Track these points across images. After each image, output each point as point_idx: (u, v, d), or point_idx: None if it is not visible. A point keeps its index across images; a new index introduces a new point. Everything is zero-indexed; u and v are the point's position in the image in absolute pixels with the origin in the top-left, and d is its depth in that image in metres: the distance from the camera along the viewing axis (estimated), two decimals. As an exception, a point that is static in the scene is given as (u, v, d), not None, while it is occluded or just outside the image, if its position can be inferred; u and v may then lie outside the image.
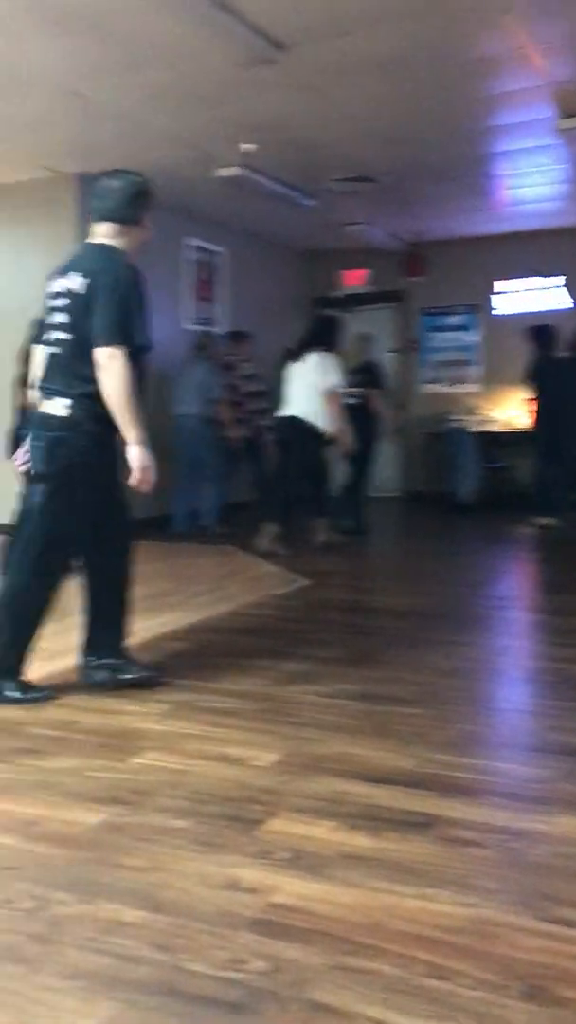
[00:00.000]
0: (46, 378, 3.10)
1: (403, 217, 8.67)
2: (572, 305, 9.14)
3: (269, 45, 4.69)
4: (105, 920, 1.74)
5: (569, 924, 1.70)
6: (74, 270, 3.06)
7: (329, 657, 3.63)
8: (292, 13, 4.39)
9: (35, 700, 3.06)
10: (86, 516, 3.10)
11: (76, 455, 3.03)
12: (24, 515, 3.09)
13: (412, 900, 1.79)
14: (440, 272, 9.79)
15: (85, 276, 3.01)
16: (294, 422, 6.13)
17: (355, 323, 10.33)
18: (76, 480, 3.04)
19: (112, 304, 2.96)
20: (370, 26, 4.55)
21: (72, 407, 3.01)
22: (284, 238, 9.50)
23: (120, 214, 3.11)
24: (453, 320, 9.97)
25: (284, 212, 8.13)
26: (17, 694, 3.06)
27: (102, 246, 3.11)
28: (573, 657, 3.57)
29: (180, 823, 2.15)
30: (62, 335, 3.05)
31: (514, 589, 5.53)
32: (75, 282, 3.03)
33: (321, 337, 6.34)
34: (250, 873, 1.91)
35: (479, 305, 9.80)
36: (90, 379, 2.97)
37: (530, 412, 8.29)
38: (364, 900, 1.80)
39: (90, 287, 2.99)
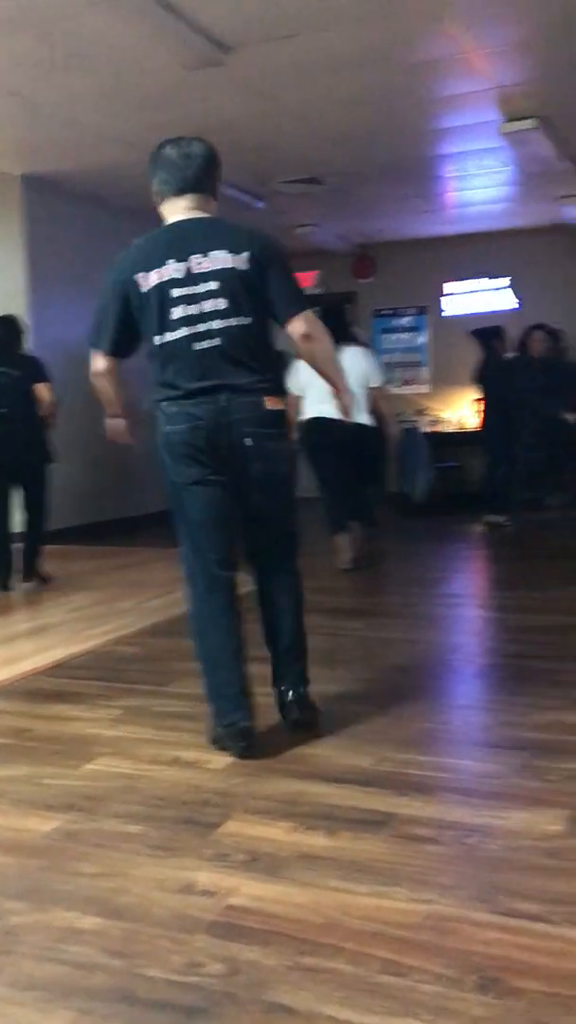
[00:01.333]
0: (217, 373, 2.62)
1: (352, 219, 8.72)
2: (518, 306, 9.27)
3: (215, 47, 4.68)
4: (60, 928, 1.72)
5: (523, 916, 1.72)
6: (217, 248, 2.64)
7: (284, 658, 3.62)
8: (238, 15, 4.39)
9: None
10: None
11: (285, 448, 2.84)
12: None
13: (368, 898, 1.80)
14: (390, 274, 9.86)
15: (238, 251, 2.63)
16: (332, 423, 5.42)
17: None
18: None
19: (289, 272, 2.74)
20: (316, 28, 4.56)
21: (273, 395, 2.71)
22: (220, 218, 9.47)
23: (205, 184, 2.76)
24: (403, 321, 10.06)
25: (233, 214, 8.04)
26: None
27: (219, 220, 2.77)
28: (525, 653, 3.61)
29: (135, 828, 2.14)
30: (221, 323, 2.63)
31: (466, 587, 5.59)
32: (226, 260, 2.63)
33: (347, 331, 5.85)
34: (206, 876, 1.90)
35: (429, 306, 9.89)
36: (269, 365, 2.72)
37: (479, 412, 8.40)
38: (321, 899, 1.80)
39: (255, 262, 2.64)
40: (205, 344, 2.61)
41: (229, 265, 2.62)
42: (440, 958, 1.59)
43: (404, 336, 10.07)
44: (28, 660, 3.65)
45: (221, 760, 2.55)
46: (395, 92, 5.49)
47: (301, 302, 2.73)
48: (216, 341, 2.61)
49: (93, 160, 6.61)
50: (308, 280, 9.88)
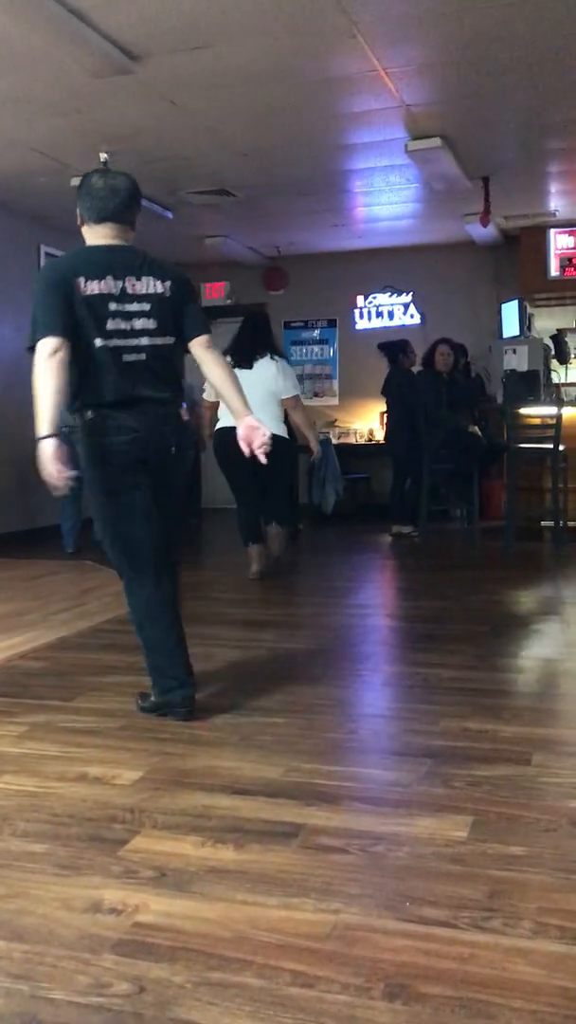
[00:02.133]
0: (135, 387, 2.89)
1: (262, 231, 8.77)
2: (420, 322, 9.46)
3: (123, 55, 4.66)
4: (-40, 953, 1.67)
5: (428, 922, 1.74)
6: (147, 274, 2.94)
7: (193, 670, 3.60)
8: (147, 24, 4.37)
9: None
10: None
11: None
12: None
13: (276, 910, 1.80)
14: (300, 286, 9.94)
15: (164, 279, 2.96)
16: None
17: (216, 336, 10.39)
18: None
19: (196, 298, 3.12)
20: (225, 40, 4.58)
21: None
22: (143, 249, 9.42)
23: (128, 214, 3.01)
24: (313, 334, 10.14)
25: (142, 223, 8.02)
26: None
27: (145, 251, 3.03)
28: (431, 661, 3.67)
29: (40, 847, 2.09)
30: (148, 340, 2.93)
31: (375, 597, 5.65)
32: (155, 286, 2.94)
33: (267, 340, 5.78)
34: (113, 894, 1.87)
35: (337, 319, 10.00)
36: (179, 382, 3.05)
37: (386, 424, 8.54)
38: (229, 913, 1.79)
39: (176, 290, 2.98)
40: (132, 358, 2.88)
41: (158, 291, 2.94)
42: (348, 967, 1.60)
43: (314, 348, 10.16)
44: None
45: (130, 775, 2.51)
46: (304, 106, 5.55)
47: (207, 327, 3.08)
48: (142, 356, 2.90)
49: (0, 165, 6.49)
50: (217, 291, 9.90)
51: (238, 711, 3.07)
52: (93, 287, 2.83)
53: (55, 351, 2.76)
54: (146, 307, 2.91)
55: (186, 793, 2.39)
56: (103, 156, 6.18)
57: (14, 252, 7.70)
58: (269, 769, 2.54)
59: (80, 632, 4.33)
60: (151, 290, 2.92)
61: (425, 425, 7.33)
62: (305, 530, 7.81)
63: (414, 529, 7.64)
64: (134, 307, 2.89)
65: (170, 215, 7.86)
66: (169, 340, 2.96)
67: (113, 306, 2.86)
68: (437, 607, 4.82)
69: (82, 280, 2.82)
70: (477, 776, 2.45)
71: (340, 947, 1.67)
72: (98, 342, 2.83)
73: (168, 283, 2.96)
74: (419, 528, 7.57)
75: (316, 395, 10.06)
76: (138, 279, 2.91)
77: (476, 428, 7.50)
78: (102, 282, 2.84)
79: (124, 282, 2.88)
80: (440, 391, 7.33)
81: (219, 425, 5.41)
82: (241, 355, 5.54)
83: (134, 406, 2.88)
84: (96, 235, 2.99)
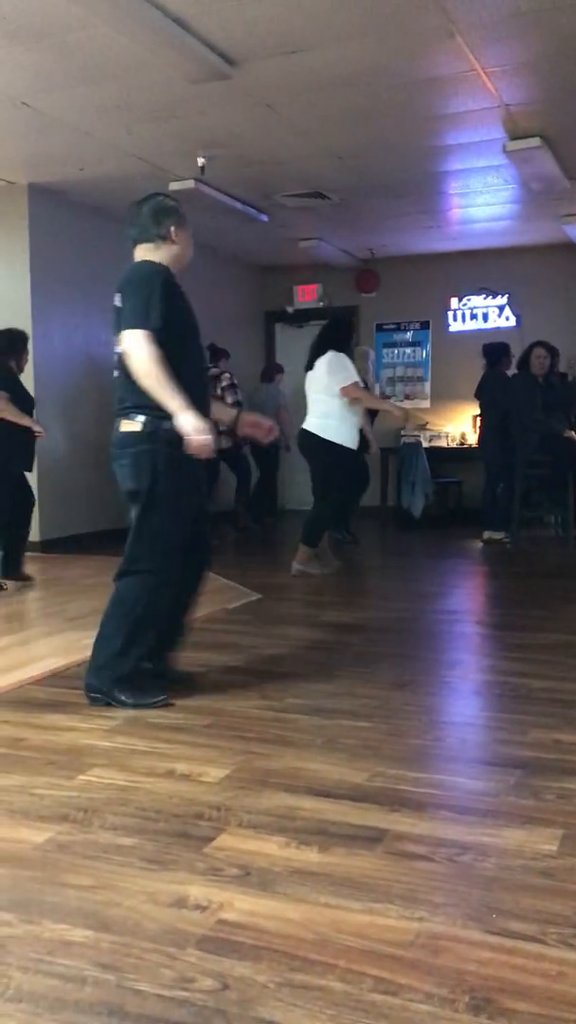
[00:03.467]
0: (119, 399, 3.17)
1: (356, 233, 8.75)
2: (515, 324, 9.30)
3: (222, 61, 4.71)
4: (50, 940, 1.71)
5: (516, 936, 1.71)
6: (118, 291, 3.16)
7: (279, 671, 3.62)
8: (245, 30, 4.41)
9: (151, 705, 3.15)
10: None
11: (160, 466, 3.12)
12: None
13: (360, 915, 1.79)
14: (393, 288, 9.89)
15: (120, 290, 3.13)
16: (304, 435, 5.81)
17: (307, 339, 10.43)
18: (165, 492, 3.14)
19: (134, 295, 3.07)
20: (322, 44, 4.59)
21: (145, 422, 3.09)
22: (237, 253, 9.53)
23: (147, 234, 3.21)
24: (406, 336, 10.08)
25: (237, 226, 8.16)
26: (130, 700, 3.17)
27: (134, 262, 3.23)
28: (521, 671, 3.60)
29: (128, 841, 2.13)
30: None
31: (464, 603, 5.58)
32: (117, 299, 3.14)
33: (328, 339, 5.86)
34: (198, 890, 1.89)
35: (431, 321, 9.92)
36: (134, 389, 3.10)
37: (478, 428, 8.42)
38: (312, 916, 1.79)
39: (122, 296, 3.11)
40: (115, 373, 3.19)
41: (117, 303, 3.13)
42: (432, 977, 1.58)
43: (406, 351, 10.09)
44: (23, 669, 3.64)
45: (216, 773, 2.54)
46: (400, 108, 5.52)
47: (130, 322, 3.04)
48: (115, 372, 3.17)
49: (99, 171, 6.64)
50: (309, 293, 9.93)
51: (323, 713, 3.07)
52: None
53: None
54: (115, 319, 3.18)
55: (271, 793, 2.40)
56: (200, 161, 6.29)
57: (110, 257, 7.85)
58: (354, 773, 2.53)
59: (170, 630, 4.38)
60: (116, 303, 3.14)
61: (519, 429, 7.20)
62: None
63: (506, 535, 7.51)
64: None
65: (265, 218, 7.91)
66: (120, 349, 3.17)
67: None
68: (529, 615, 4.73)
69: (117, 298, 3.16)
70: (568, 789, 2.39)
71: (424, 956, 1.65)
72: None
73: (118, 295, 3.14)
74: (511, 535, 7.44)
75: (407, 397, 9.99)
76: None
77: (572, 433, 7.33)
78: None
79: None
80: (535, 395, 7.19)
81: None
82: (309, 358, 5.82)
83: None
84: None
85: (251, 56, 4.72)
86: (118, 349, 3.10)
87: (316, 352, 5.82)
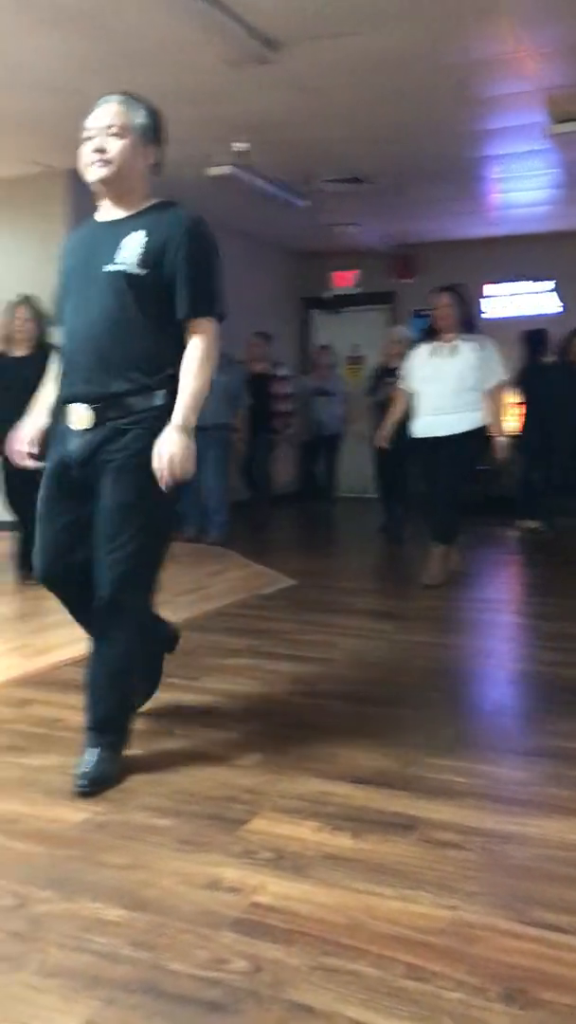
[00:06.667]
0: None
1: (395, 219, 8.69)
2: (561, 310, 9.18)
3: (263, 44, 4.69)
4: (86, 918, 1.74)
5: (549, 927, 1.70)
6: None
7: (313, 657, 3.63)
8: (286, 13, 4.38)
9: None
10: None
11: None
12: None
13: (393, 901, 1.80)
14: (431, 274, 9.78)
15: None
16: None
17: (344, 324, 10.40)
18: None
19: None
20: (363, 27, 4.55)
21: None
22: (274, 238, 9.50)
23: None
24: (443, 322, 9.97)
25: (275, 212, 8.13)
26: None
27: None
28: (558, 661, 3.58)
29: (163, 822, 2.15)
30: None
31: (500, 592, 5.55)
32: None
33: (464, 317, 5.30)
34: (232, 872, 1.91)
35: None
36: None
37: (518, 416, 8.32)
38: (345, 901, 1.80)
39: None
40: None
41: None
42: (464, 965, 1.59)
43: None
44: (60, 650, 3.68)
45: (250, 757, 2.55)
46: (442, 91, 5.46)
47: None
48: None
49: (138, 156, 6.65)
50: (348, 280, 9.88)
51: (357, 700, 3.08)
52: None
53: None
54: None
55: (304, 778, 2.41)
56: (239, 146, 6.27)
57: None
58: (387, 760, 2.54)
59: (205, 614, 4.42)
60: None
61: (557, 417, 7.12)
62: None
63: (542, 524, 7.44)
64: None
65: (303, 203, 7.87)
66: None
67: None
68: (566, 605, 4.69)
69: None
70: (603, 780, 2.38)
71: (457, 944, 1.65)
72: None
73: None
74: (547, 523, 7.37)
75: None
76: None
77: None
78: None
79: None
80: (574, 383, 7.11)
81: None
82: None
83: None
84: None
85: (292, 40, 4.69)
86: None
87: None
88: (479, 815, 2.19)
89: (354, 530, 8.16)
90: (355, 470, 9.57)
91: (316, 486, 9.11)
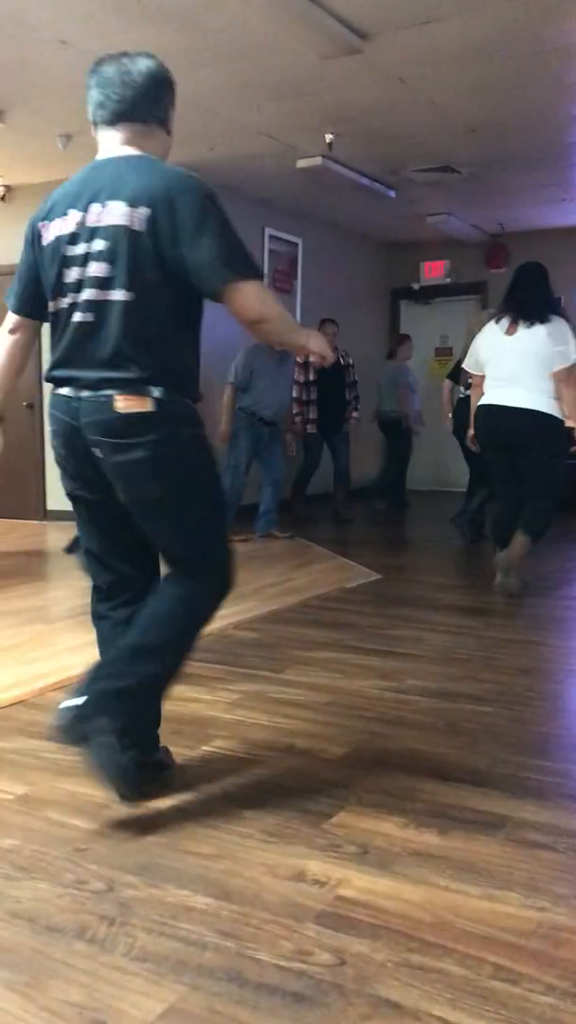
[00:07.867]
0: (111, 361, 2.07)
1: (485, 208, 8.54)
2: None
3: (353, 34, 4.66)
4: (173, 905, 1.76)
5: None
6: (110, 198, 2.06)
7: (399, 652, 3.61)
8: (376, 2, 4.34)
9: None
10: None
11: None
12: None
13: (480, 900, 1.77)
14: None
15: (135, 205, 2.03)
16: (528, 415, 4.56)
17: (434, 316, 10.29)
18: None
19: (208, 224, 2.10)
20: (455, 14, 4.48)
21: (164, 392, 2.09)
22: (363, 229, 9.45)
23: (140, 110, 2.16)
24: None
25: (364, 203, 8.08)
26: None
27: (140, 158, 2.14)
28: None
29: (248, 813, 2.17)
30: (103, 295, 2.07)
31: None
32: (121, 214, 2.04)
33: (545, 297, 4.86)
34: (317, 865, 1.91)
35: (562, 298, 9.59)
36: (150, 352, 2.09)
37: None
38: (431, 898, 1.78)
39: (157, 218, 2.03)
40: (78, 318, 2.10)
41: (122, 223, 2.05)
42: (554, 968, 1.55)
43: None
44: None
45: (335, 750, 2.55)
46: (535, 77, 5.33)
47: (231, 266, 2.17)
48: (89, 316, 2.09)
49: (228, 150, 6.68)
50: (437, 270, 9.76)
51: (444, 697, 3.04)
52: (53, 230, 2.16)
53: (5, 332, 2.33)
54: (101, 247, 2.07)
55: (390, 774, 2.39)
56: (328, 137, 6.25)
57: (242, 235, 7.91)
58: (475, 757, 2.50)
59: (289, 606, 4.43)
60: (114, 221, 2.06)
61: None
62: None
63: None
64: (93, 247, 2.08)
65: (392, 194, 7.81)
66: (127, 295, 2.07)
67: (70, 250, 2.12)
68: None
69: (43, 225, 2.20)
70: None
71: (545, 946, 1.62)
72: (53, 304, 2.18)
73: (143, 211, 2.04)
74: None
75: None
76: (104, 205, 2.07)
77: None
78: (64, 220, 2.14)
79: (88, 213, 2.09)
80: None
81: (482, 401, 4.79)
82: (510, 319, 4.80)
83: (62, 385, 2.22)
84: (107, 141, 2.21)
85: (382, 29, 4.65)
86: (120, 293, 2.06)
87: (523, 311, 4.75)
88: (569, 816, 2.15)
89: (436, 524, 8.06)
90: (431, 463, 9.57)
91: (389, 480, 8.99)
